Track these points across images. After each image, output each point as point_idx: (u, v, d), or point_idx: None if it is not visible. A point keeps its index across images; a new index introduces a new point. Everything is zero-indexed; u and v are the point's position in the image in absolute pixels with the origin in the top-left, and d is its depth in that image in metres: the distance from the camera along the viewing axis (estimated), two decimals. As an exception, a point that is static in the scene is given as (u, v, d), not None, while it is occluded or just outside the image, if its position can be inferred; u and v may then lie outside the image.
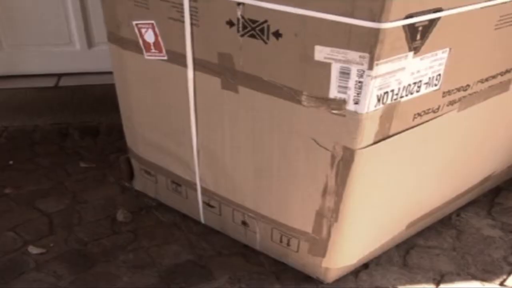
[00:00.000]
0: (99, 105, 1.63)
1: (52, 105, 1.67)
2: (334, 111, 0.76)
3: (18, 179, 1.32)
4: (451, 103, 0.89)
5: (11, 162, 1.40)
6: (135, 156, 1.20)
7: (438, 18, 0.74)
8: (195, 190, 1.09)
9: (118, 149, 1.42)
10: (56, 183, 1.30)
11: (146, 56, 0.97)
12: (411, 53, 0.74)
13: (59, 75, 1.83)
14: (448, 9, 0.74)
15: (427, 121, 0.86)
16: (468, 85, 0.90)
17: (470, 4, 0.77)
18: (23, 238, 1.11)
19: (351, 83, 0.73)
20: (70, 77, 1.82)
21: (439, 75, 0.82)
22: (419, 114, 0.84)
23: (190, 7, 0.85)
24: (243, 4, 0.78)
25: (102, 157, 1.42)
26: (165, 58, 0.95)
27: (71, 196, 1.25)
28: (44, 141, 1.51)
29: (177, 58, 0.92)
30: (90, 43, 1.80)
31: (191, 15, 0.85)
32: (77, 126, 1.57)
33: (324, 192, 0.85)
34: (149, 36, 0.94)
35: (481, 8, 0.80)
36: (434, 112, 0.87)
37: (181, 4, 0.86)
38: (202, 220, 1.13)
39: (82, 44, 1.79)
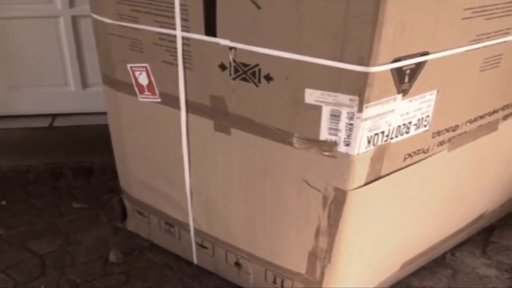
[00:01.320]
0: (93, 145, 1.64)
1: (46, 145, 1.68)
2: (325, 153, 0.77)
3: (10, 220, 1.31)
4: (441, 143, 0.90)
5: (3, 203, 1.39)
6: (128, 197, 1.20)
7: (425, 62, 0.76)
8: (188, 231, 1.08)
9: (111, 189, 1.42)
10: (49, 223, 1.30)
11: (140, 98, 0.99)
12: (400, 96, 0.75)
13: (54, 116, 1.85)
14: (434, 52, 0.76)
15: (417, 161, 0.87)
16: (457, 126, 0.92)
17: (455, 48, 0.80)
18: (14, 280, 1.09)
19: (342, 125, 0.74)
20: (65, 117, 1.84)
21: (428, 116, 0.83)
22: (409, 155, 0.85)
23: (183, 51, 0.87)
24: (235, 48, 0.79)
25: (95, 197, 1.41)
26: (159, 100, 0.96)
27: (64, 236, 1.24)
28: (38, 181, 1.51)
29: (170, 100, 0.93)
30: (84, 84, 1.82)
31: (184, 58, 0.87)
32: (71, 166, 1.57)
33: (317, 232, 0.85)
34: (143, 79, 0.96)
35: (466, 51, 0.82)
36: (424, 152, 0.88)
37: (175, 48, 0.88)
38: (195, 261, 1.13)
39: (77, 85, 1.81)
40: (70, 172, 1.54)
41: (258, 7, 0.74)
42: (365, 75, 0.69)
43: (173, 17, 0.85)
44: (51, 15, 1.72)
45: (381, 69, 0.69)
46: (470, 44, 0.82)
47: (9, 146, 1.69)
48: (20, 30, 1.72)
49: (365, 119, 0.72)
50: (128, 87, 1.00)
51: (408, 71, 0.74)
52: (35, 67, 1.78)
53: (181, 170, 1.00)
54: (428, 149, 0.88)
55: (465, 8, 0.76)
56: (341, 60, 0.69)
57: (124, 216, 1.25)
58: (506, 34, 0.87)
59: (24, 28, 1.72)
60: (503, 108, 1.01)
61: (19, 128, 1.79)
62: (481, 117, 0.97)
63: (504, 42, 0.88)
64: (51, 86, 1.82)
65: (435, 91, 0.81)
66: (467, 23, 0.78)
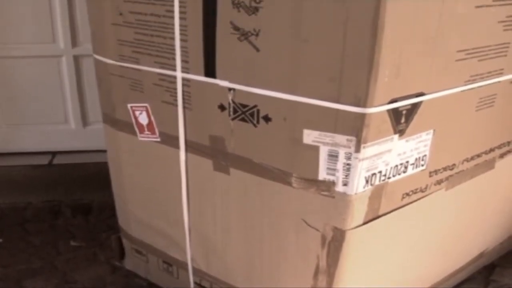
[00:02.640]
0: (92, 183, 1.64)
1: (45, 182, 1.68)
2: (323, 193, 0.78)
3: (7, 258, 1.30)
4: (439, 182, 0.91)
5: (1, 240, 1.38)
6: (126, 235, 1.19)
7: (421, 102, 0.77)
8: (187, 270, 1.07)
9: (109, 227, 1.41)
10: (46, 262, 1.28)
11: (140, 137, 1.00)
12: (397, 136, 0.76)
13: (54, 153, 1.86)
14: (430, 93, 0.78)
15: (416, 200, 0.87)
16: (454, 165, 0.92)
17: (450, 88, 0.81)
18: (9, 321, 1.08)
19: (340, 165, 0.75)
20: (64, 155, 1.85)
21: (425, 155, 0.84)
22: (407, 194, 0.85)
23: (183, 91, 0.88)
24: (234, 89, 0.81)
25: (93, 236, 1.41)
26: (158, 139, 0.97)
27: (61, 275, 1.23)
28: (36, 218, 1.50)
29: (170, 140, 0.94)
30: (85, 122, 1.84)
31: (184, 99, 0.89)
32: (69, 203, 1.57)
33: (316, 272, 0.85)
34: (143, 119, 0.97)
35: (461, 91, 0.83)
36: (422, 191, 0.88)
37: (175, 89, 0.89)
38: (194, 301, 1.11)
39: (77, 123, 1.83)
40: (68, 210, 1.54)
41: (257, 49, 0.76)
42: (362, 116, 0.70)
43: (174, 59, 0.87)
44: (54, 55, 1.76)
45: (377, 110, 0.70)
46: (465, 85, 0.83)
47: (8, 183, 1.69)
48: (23, 69, 1.75)
49: (363, 159, 0.73)
50: (128, 126, 1.01)
51: (404, 112, 0.75)
52: (36, 105, 1.80)
53: (179, 209, 1.00)
54: (426, 188, 0.88)
55: (458, 50, 0.78)
56: (338, 102, 0.71)
57: (122, 254, 1.24)
58: (500, 74, 0.89)
59: (27, 67, 1.75)
60: (499, 147, 1.02)
61: (19, 165, 1.79)
62: (478, 155, 0.98)
63: (498, 82, 0.90)
64: (51, 124, 1.83)
65: (431, 131, 0.82)
66: (461, 65, 0.80)
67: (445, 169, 0.91)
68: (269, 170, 0.82)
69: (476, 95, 0.87)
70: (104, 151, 1.15)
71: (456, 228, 1.04)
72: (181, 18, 0.83)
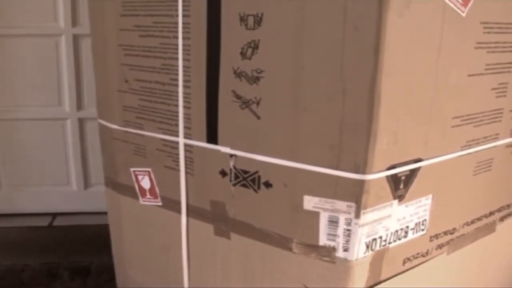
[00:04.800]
0: (92, 245, 1.63)
1: (44, 244, 1.67)
2: (324, 258, 0.78)
3: (2, 324, 1.28)
4: (439, 246, 0.90)
5: (-4, 305, 1.36)
6: (126, 300, 1.18)
7: (419, 168, 0.78)
8: (186, 337, 1.05)
9: (107, 291, 1.39)
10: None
11: (142, 201, 1.01)
12: (396, 201, 0.77)
13: (54, 215, 1.86)
14: (428, 159, 0.79)
15: (417, 265, 0.87)
16: (454, 229, 0.93)
17: (448, 154, 0.83)
18: None
19: (340, 231, 0.75)
20: (65, 216, 1.84)
21: (425, 220, 0.84)
22: (408, 259, 0.85)
23: (186, 157, 0.90)
24: (236, 155, 0.83)
25: (91, 300, 1.39)
26: (160, 204, 0.98)
27: None
28: (33, 281, 1.48)
29: (172, 204, 0.95)
30: (86, 184, 1.85)
31: (186, 164, 0.90)
32: (68, 266, 1.55)
33: None
34: (145, 183, 0.98)
35: (458, 157, 0.85)
36: (423, 256, 0.88)
37: (177, 154, 0.91)
38: None
39: (79, 184, 1.84)
40: (66, 272, 1.52)
41: (258, 117, 0.78)
42: (361, 182, 0.71)
43: (177, 125, 0.89)
44: (59, 117, 1.80)
45: (376, 176, 0.72)
46: (462, 150, 0.85)
47: (6, 245, 1.68)
48: (28, 131, 1.79)
49: (363, 225, 0.74)
50: (130, 190, 1.02)
51: (403, 178, 0.76)
52: (39, 166, 1.82)
53: (180, 273, 0.99)
54: (427, 253, 0.88)
55: (454, 116, 0.81)
56: (337, 168, 0.72)
57: (120, 320, 1.21)
58: (495, 139, 0.91)
59: (32, 129, 1.79)
60: (499, 210, 1.03)
61: (19, 226, 1.78)
62: (478, 219, 0.98)
63: (494, 146, 0.92)
64: (53, 185, 1.84)
65: (430, 196, 0.83)
66: (457, 131, 0.82)
67: (445, 233, 0.91)
68: (270, 235, 0.83)
69: (473, 160, 0.89)
70: (105, 213, 1.15)
71: (459, 293, 1.03)
72: (184, 86, 0.86)
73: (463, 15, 0.75)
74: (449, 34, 0.74)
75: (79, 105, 1.79)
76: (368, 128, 0.68)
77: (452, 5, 0.73)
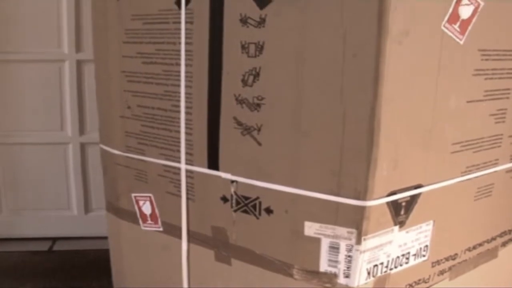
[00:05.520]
0: (91, 270, 1.62)
1: (43, 269, 1.66)
2: (325, 285, 0.77)
3: None
4: (441, 272, 0.90)
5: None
6: (125, 327, 1.16)
7: (419, 194, 0.79)
8: None
9: (107, 317, 1.38)
10: None
11: (143, 227, 1.01)
12: (397, 227, 0.77)
13: (54, 239, 1.85)
14: (428, 185, 0.79)
15: (419, 291, 0.87)
16: (456, 254, 0.92)
17: (448, 180, 0.83)
18: None
19: (341, 257, 0.75)
20: (65, 241, 1.84)
21: (426, 246, 0.84)
22: (410, 285, 0.84)
23: (187, 183, 0.90)
24: (237, 181, 0.83)
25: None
26: (161, 229, 0.98)
27: None
28: (31, 307, 1.47)
29: (172, 230, 0.95)
30: (87, 209, 1.85)
31: (187, 190, 0.91)
32: (67, 291, 1.54)
33: None
34: (147, 208, 0.98)
35: (459, 182, 0.85)
36: (425, 282, 0.87)
37: (178, 180, 0.91)
38: None
39: (79, 209, 1.84)
40: (66, 298, 1.51)
41: (259, 143, 0.79)
42: (362, 208, 0.71)
43: (178, 151, 0.90)
44: (61, 142, 1.81)
45: (377, 202, 0.72)
46: (462, 176, 0.85)
47: (6, 269, 1.66)
48: (29, 155, 1.79)
49: (364, 251, 0.74)
50: (131, 216, 1.02)
51: (403, 204, 0.77)
52: (39, 191, 1.82)
53: (180, 299, 0.99)
54: (429, 279, 0.88)
55: (453, 142, 0.81)
56: (338, 195, 0.72)
57: None
58: (495, 164, 0.91)
59: (33, 154, 1.79)
60: (501, 235, 1.02)
61: (18, 251, 1.78)
62: (480, 244, 0.98)
63: (495, 172, 0.92)
64: (53, 210, 1.84)
65: (431, 222, 0.83)
66: (457, 156, 0.83)
67: (447, 259, 0.90)
68: (271, 261, 0.82)
69: (473, 185, 0.89)
70: (105, 238, 1.15)
71: (462, 320, 1.02)
72: (186, 113, 0.87)
73: (461, 42, 0.76)
74: (448, 61, 0.75)
75: (81, 130, 1.80)
76: (368, 155, 0.69)
77: (449, 33, 0.74)
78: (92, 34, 1.05)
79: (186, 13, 0.85)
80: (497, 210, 0.98)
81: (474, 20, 0.77)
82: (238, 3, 0.77)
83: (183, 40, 0.86)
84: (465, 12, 0.75)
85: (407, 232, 0.79)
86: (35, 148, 1.79)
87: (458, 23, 0.75)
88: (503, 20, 0.83)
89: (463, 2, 0.75)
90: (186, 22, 0.85)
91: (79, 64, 1.77)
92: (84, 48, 1.76)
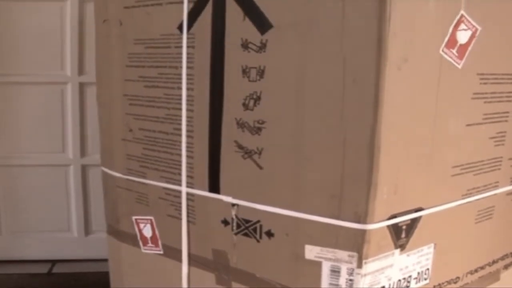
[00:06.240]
0: (91, 293, 1.61)
1: (43, 292, 1.65)
2: (327, 309, 0.77)
3: None
4: (443, 296, 0.90)
5: None
6: None
7: (420, 217, 0.79)
8: None
9: None
10: None
11: (143, 249, 1.00)
12: (398, 250, 0.77)
13: (54, 261, 1.84)
14: (428, 208, 0.79)
15: (421, 315, 0.86)
16: (458, 277, 0.92)
17: (448, 203, 0.83)
18: None
19: (342, 281, 0.75)
20: (65, 263, 1.83)
21: (428, 269, 0.84)
22: (412, 309, 0.84)
23: (188, 206, 0.90)
24: (238, 205, 0.83)
25: None
26: (161, 252, 0.98)
27: None
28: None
29: (173, 253, 0.95)
30: (87, 231, 1.85)
31: (188, 213, 0.91)
32: (66, 314, 1.53)
33: None
34: (147, 231, 0.98)
35: (460, 205, 0.85)
36: (427, 305, 0.87)
37: (179, 203, 0.91)
38: None
39: (79, 231, 1.84)
40: (64, 321, 1.50)
41: (260, 167, 0.79)
42: (363, 232, 0.71)
43: (179, 174, 0.90)
44: (62, 164, 1.81)
45: (377, 226, 0.72)
46: (462, 198, 0.85)
47: (5, 293, 1.66)
48: (30, 177, 1.80)
49: (365, 275, 0.73)
50: (131, 238, 1.02)
51: (404, 227, 0.77)
52: (40, 213, 1.82)
53: (181, 323, 0.98)
54: (431, 303, 0.87)
55: (453, 165, 0.81)
56: (339, 218, 0.72)
57: None
58: (495, 187, 0.92)
59: (35, 176, 1.80)
60: (502, 258, 1.02)
61: (18, 273, 1.77)
62: (482, 267, 0.97)
63: (495, 194, 0.92)
64: (53, 232, 1.84)
65: (432, 245, 0.83)
66: (457, 179, 0.83)
67: (449, 282, 0.90)
68: (271, 284, 0.82)
69: (474, 208, 0.89)
70: (105, 261, 1.15)
71: None
72: (188, 136, 0.88)
73: (459, 67, 0.77)
74: (446, 86, 0.76)
75: (83, 152, 1.81)
76: (368, 179, 0.69)
77: (448, 57, 0.75)
78: (95, 57, 1.06)
79: (188, 38, 0.86)
80: (499, 233, 0.98)
81: (472, 44, 0.78)
82: (240, 28, 0.79)
83: (184, 64, 0.87)
84: (462, 37, 0.77)
85: (408, 255, 0.79)
86: (36, 169, 1.80)
87: (456, 48, 0.76)
88: (501, 45, 0.84)
89: (461, 27, 0.76)
90: (188, 47, 0.86)
91: (82, 86, 1.79)
92: (87, 70, 1.77)
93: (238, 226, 0.84)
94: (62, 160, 1.80)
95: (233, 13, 0.79)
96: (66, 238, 1.84)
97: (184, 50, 0.86)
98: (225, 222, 0.85)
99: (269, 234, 0.80)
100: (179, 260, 0.94)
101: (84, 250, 1.82)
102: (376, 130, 0.68)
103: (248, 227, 0.83)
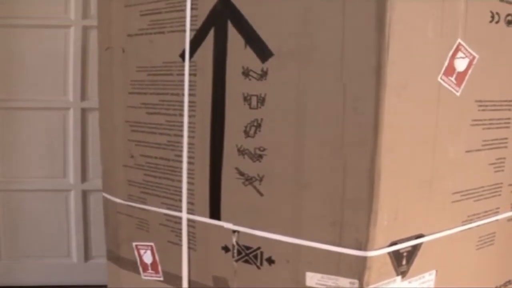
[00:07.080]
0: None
1: (42, 319, 1.64)
2: (329, 337, 0.76)
3: None
4: (446, 323, 0.89)
5: None
6: None
7: (421, 244, 0.78)
8: None
9: None
10: None
11: (143, 276, 1.00)
12: (399, 277, 0.77)
13: (53, 287, 1.82)
14: (429, 234, 0.79)
15: None
16: (460, 305, 0.91)
17: (449, 229, 0.83)
18: None
19: (344, 309, 0.74)
20: (64, 289, 1.82)
21: (429, 296, 0.84)
22: (414, 337, 0.83)
23: (188, 232, 0.90)
24: (238, 231, 0.83)
25: None
26: (161, 279, 0.97)
27: None
28: None
29: (173, 279, 0.94)
30: (87, 256, 1.84)
31: (188, 239, 0.91)
32: None
33: None
34: (147, 257, 0.98)
35: (460, 231, 0.85)
36: (430, 334, 0.86)
37: (180, 229, 0.91)
38: None
39: (79, 257, 1.83)
40: None
41: (261, 194, 0.79)
42: (364, 259, 0.71)
43: (180, 200, 0.90)
44: (63, 189, 1.81)
45: (378, 253, 0.72)
46: (463, 225, 0.85)
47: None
48: (31, 202, 1.80)
49: (367, 302, 0.73)
50: (131, 265, 1.01)
51: (405, 253, 0.76)
52: (39, 238, 1.81)
53: None
54: (434, 332, 0.87)
55: (453, 192, 0.82)
56: (339, 245, 0.72)
57: None
58: (496, 213, 0.92)
59: (35, 201, 1.80)
60: (505, 285, 1.01)
61: (16, 300, 1.75)
62: (484, 294, 0.97)
63: (496, 220, 0.92)
64: (53, 257, 1.83)
65: (434, 271, 0.83)
66: (458, 206, 0.83)
67: (451, 309, 0.89)
68: (273, 312, 0.82)
69: (475, 234, 0.89)
70: (104, 287, 1.14)
71: None
72: (189, 163, 0.88)
73: (458, 94, 0.78)
74: (445, 112, 0.77)
75: (84, 177, 1.81)
76: (369, 205, 0.69)
77: (446, 85, 0.76)
78: (97, 83, 1.07)
79: (190, 66, 0.87)
80: (500, 259, 0.98)
81: (469, 72, 0.79)
82: (241, 56, 0.80)
83: (186, 91, 0.88)
84: (460, 64, 0.78)
85: (409, 282, 0.79)
86: (36, 194, 1.80)
87: (454, 76, 0.77)
88: (498, 72, 0.85)
89: (458, 55, 0.77)
90: (190, 74, 0.87)
91: (84, 112, 1.80)
92: (89, 96, 1.79)
93: (239, 252, 0.84)
94: (63, 185, 1.80)
95: (235, 41, 0.81)
96: (65, 264, 1.83)
97: (186, 77, 0.88)
98: (226, 249, 0.85)
99: (270, 261, 0.80)
100: (179, 286, 0.94)
101: (83, 276, 1.80)
102: (376, 157, 0.68)
103: (249, 254, 0.82)
